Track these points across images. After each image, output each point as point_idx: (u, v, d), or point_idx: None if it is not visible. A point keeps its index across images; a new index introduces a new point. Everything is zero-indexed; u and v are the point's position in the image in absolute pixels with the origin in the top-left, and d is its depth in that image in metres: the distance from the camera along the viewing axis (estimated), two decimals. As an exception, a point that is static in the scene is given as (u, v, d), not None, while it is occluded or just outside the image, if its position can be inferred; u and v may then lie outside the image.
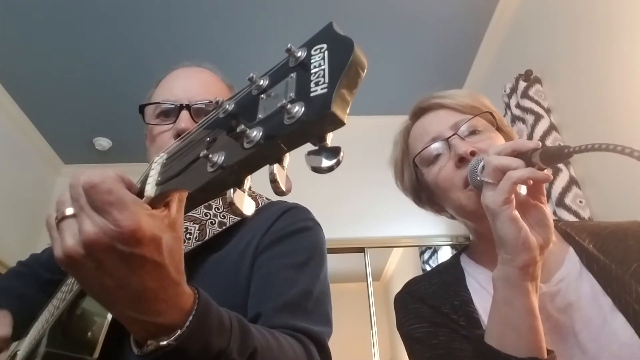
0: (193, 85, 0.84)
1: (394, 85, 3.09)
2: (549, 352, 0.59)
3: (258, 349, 0.48)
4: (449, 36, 2.74)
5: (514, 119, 2.19)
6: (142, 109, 0.86)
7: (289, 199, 0.87)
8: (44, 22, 2.43)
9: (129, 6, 2.39)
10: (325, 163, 0.29)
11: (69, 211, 0.37)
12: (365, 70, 0.29)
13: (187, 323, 0.41)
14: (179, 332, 0.41)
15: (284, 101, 0.29)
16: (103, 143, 3.30)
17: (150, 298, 0.39)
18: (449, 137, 0.80)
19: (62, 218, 0.38)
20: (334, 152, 0.29)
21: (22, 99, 2.91)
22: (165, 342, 0.40)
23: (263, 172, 0.32)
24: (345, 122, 0.28)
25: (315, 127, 0.28)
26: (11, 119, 2.96)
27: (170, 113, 0.82)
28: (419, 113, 0.90)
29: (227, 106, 0.35)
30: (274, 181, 0.31)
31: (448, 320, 0.75)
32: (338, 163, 0.29)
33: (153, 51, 2.62)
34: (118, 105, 2.82)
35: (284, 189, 0.31)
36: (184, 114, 0.79)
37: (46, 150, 3.34)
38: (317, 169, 0.29)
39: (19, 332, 0.72)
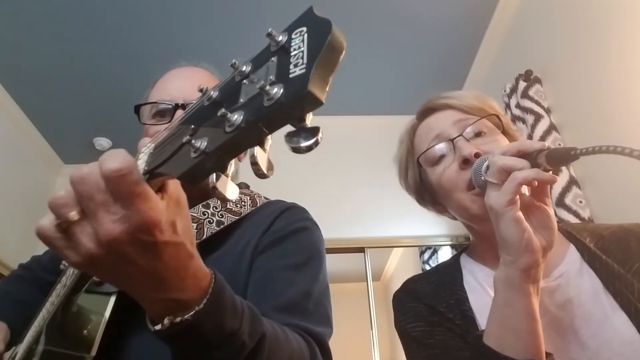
0: (188, 84, 0.84)
1: (394, 85, 3.09)
2: (548, 354, 0.59)
3: (267, 335, 0.49)
4: (449, 36, 2.74)
5: (514, 119, 2.19)
6: (137, 109, 0.86)
7: (290, 198, 0.88)
8: (44, 22, 2.43)
9: (129, 6, 2.40)
10: (304, 143, 0.29)
11: (75, 215, 0.36)
12: (344, 51, 0.30)
13: (204, 300, 0.43)
14: (196, 308, 0.42)
15: (263, 83, 0.29)
16: (103, 143, 3.31)
17: (173, 277, 0.40)
18: (454, 138, 0.79)
19: (70, 223, 0.36)
20: (313, 132, 0.30)
21: (22, 99, 2.91)
22: (181, 319, 0.42)
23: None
24: (324, 101, 0.28)
25: (294, 107, 0.29)
26: (11, 119, 2.96)
27: (166, 113, 0.82)
28: (425, 113, 0.89)
29: (212, 93, 0.35)
30: (254, 164, 0.31)
31: (444, 319, 0.75)
32: (317, 143, 0.30)
33: (153, 51, 2.62)
34: (118, 105, 2.82)
35: (265, 172, 0.32)
36: (179, 113, 0.79)
37: (46, 150, 3.35)
38: (297, 149, 0.30)
39: (17, 337, 0.71)
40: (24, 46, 2.55)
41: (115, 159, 0.34)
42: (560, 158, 0.58)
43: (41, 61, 2.65)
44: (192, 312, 0.42)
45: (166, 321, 0.42)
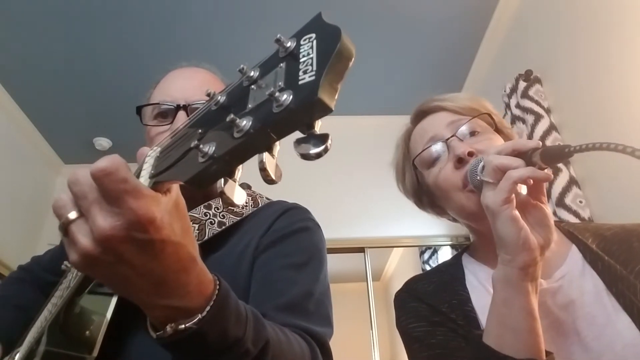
0: (190, 85, 0.84)
1: (394, 85, 3.09)
2: (548, 353, 0.59)
3: (270, 341, 0.48)
4: (449, 36, 2.74)
5: (514, 119, 2.19)
6: (139, 110, 0.86)
7: (290, 198, 0.88)
8: (44, 22, 2.43)
9: (129, 6, 2.39)
10: (314, 150, 0.30)
11: (73, 215, 0.37)
12: (353, 58, 0.30)
13: (208, 308, 0.42)
14: (199, 316, 0.42)
15: (272, 90, 0.29)
16: (103, 143, 3.30)
17: (173, 281, 0.39)
18: (448, 138, 0.80)
19: (68, 223, 0.37)
20: (322, 139, 0.30)
21: (22, 99, 2.91)
22: (184, 326, 0.41)
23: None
24: (333, 108, 0.28)
25: (303, 114, 0.29)
26: (11, 119, 2.96)
27: (168, 114, 0.82)
28: (419, 116, 0.90)
29: (219, 98, 0.35)
30: (263, 169, 0.31)
31: (446, 319, 0.75)
32: (326, 150, 0.30)
33: (153, 51, 2.62)
34: (118, 105, 2.82)
35: (273, 178, 0.32)
36: (181, 114, 0.79)
37: (46, 150, 3.34)
38: (306, 156, 0.30)
39: (14, 342, 0.71)
40: (24, 47, 2.54)
41: (103, 160, 0.35)
42: (554, 156, 0.58)
43: (41, 62, 2.65)
44: (195, 320, 0.41)
45: (168, 328, 0.41)
